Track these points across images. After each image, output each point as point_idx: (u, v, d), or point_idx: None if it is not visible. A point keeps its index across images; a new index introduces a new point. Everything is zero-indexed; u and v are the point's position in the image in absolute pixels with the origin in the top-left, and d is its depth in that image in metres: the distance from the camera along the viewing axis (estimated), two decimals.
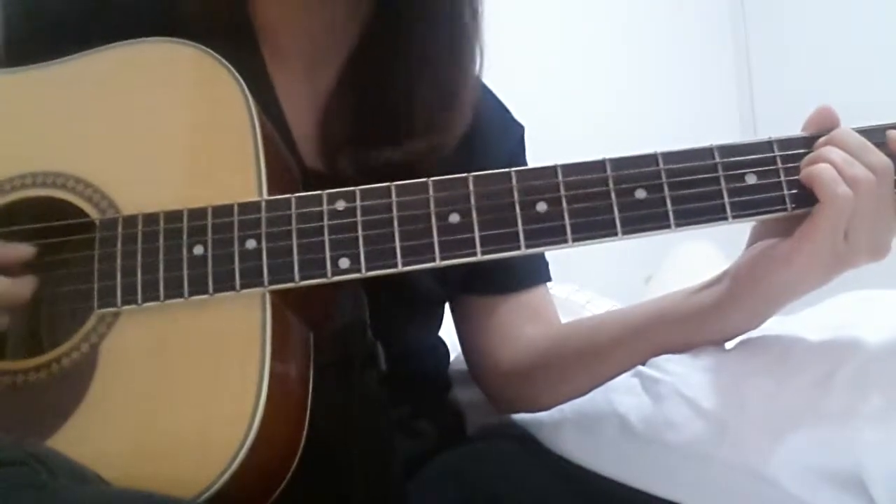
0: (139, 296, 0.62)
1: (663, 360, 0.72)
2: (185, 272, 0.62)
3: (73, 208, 0.65)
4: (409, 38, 0.75)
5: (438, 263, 0.62)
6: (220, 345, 0.61)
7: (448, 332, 0.89)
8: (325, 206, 0.63)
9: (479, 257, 0.62)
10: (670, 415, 0.68)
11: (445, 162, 0.73)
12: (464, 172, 0.64)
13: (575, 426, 0.72)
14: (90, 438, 0.59)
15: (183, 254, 0.62)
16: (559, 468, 0.71)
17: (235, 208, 0.63)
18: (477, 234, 0.62)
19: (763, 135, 0.64)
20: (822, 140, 0.64)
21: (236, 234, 0.62)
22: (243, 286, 0.61)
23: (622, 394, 0.72)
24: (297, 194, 0.63)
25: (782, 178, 0.63)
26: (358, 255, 0.62)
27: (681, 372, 0.70)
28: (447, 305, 0.87)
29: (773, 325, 0.72)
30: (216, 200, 0.63)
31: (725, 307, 0.69)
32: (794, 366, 0.67)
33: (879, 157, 0.62)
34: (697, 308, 0.71)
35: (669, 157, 0.63)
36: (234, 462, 0.57)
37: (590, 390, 0.74)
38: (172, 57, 0.68)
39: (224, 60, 0.66)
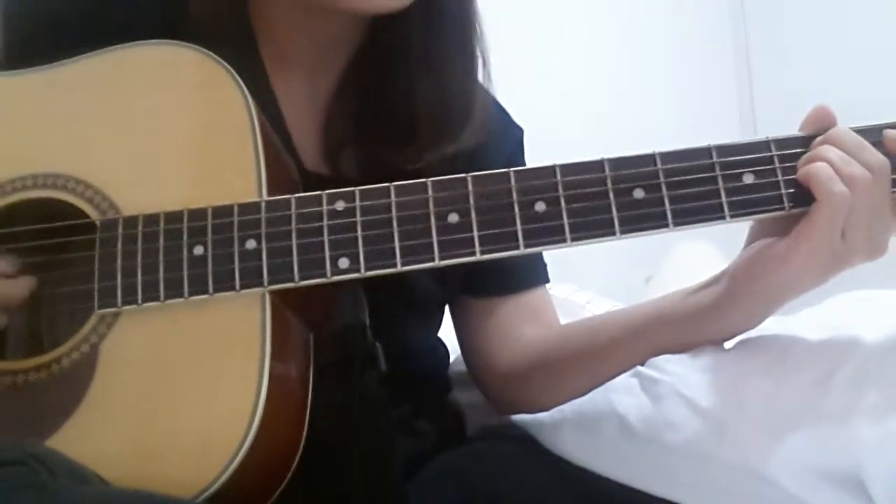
0: (139, 296, 0.62)
1: (662, 360, 0.72)
2: (185, 272, 0.62)
3: (73, 209, 0.65)
4: (410, 41, 0.76)
5: (437, 263, 0.62)
6: (220, 345, 0.61)
7: (448, 332, 0.90)
8: (324, 207, 0.63)
9: (478, 257, 0.62)
10: (670, 415, 0.68)
11: (445, 163, 0.73)
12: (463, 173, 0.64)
13: (575, 426, 0.73)
14: (90, 438, 0.59)
15: (183, 254, 0.62)
16: (559, 468, 0.71)
17: (235, 209, 0.63)
18: (476, 234, 0.62)
19: (763, 135, 0.65)
20: (819, 139, 0.64)
21: (236, 234, 0.62)
22: (243, 286, 0.61)
23: (622, 394, 0.72)
24: (297, 195, 0.63)
25: (780, 177, 0.63)
26: (357, 255, 0.62)
27: (680, 372, 0.70)
28: (447, 306, 0.87)
29: (772, 325, 0.72)
30: (216, 201, 0.63)
31: (724, 307, 0.69)
32: (793, 366, 0.67)
33: (876, 156, 0.62)
34: (696, 308, 0.71)
35: (667, 156, 0.63)
36: (233, 462, 0.57)
37: (589, 391, 0.74)
38: (173, 59, 0.68)
39: (224, 62, 0.67)
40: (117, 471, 0.57)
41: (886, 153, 0.63)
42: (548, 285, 0.88)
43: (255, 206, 0.63)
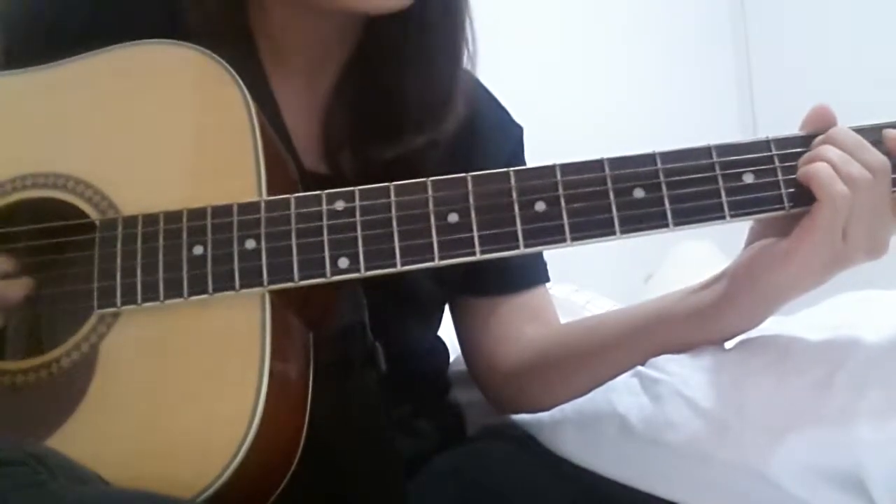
0: (139, 296, 0.62)
1: (663, 360, 0.72)
2: (185, 272, 0.62)
3: (73, 209, 0.65)
4: (404, 38, 0.76)
5: (437, 263, 0.62)
6: (220, 345, 0.61)
7: (448, 332, 0.90)
8: (324, 206, 0.63)
9: (478, 257, 0.62)
10: (670, 415, 0.68)
11: (445, 163, 0.73)
12: (463, 173, 0.64)
13: (575, 426, 0.73)
14: (90, 438, 0.59)
15: (182, 254, 0.62)
16: (559, 468, 0.71)
17: (235, 208, 0.63)
18: (476, 234, 0.62)
19: (763, 135, 0.65)
20: (819, 139, 0.64)
21: (236, 234, 0.62)
22: (243, 286, 0.61)
23: (622, 394, 0.72)
24: (297, 194, 0.63)
25: (780, 177, 0.63)
26: (357, 254, 0.62)
27: (680, 372, 0.70)
28: (447, 306, 0.87)
29: (773, 325, 0.72)
30: (216, 201, 0.63)
31: (724, 307, 0.69)
32: (793, 366, 0.67)
33: (876, 156, 0.62)
34: (696, 308, 0.71)
35: (667, 156, 0.63)
36: (233, 462, 0.57)
37: (589, 390, 0.74)
38: (172, 58, 0.68)
39: (224, 62, 0.67)
40: (117, 471, 0.57)
41: (886, 153, 0.63)
42: (548, 285, 0.88)
43: (254, 206, 0.63)
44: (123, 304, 0.62)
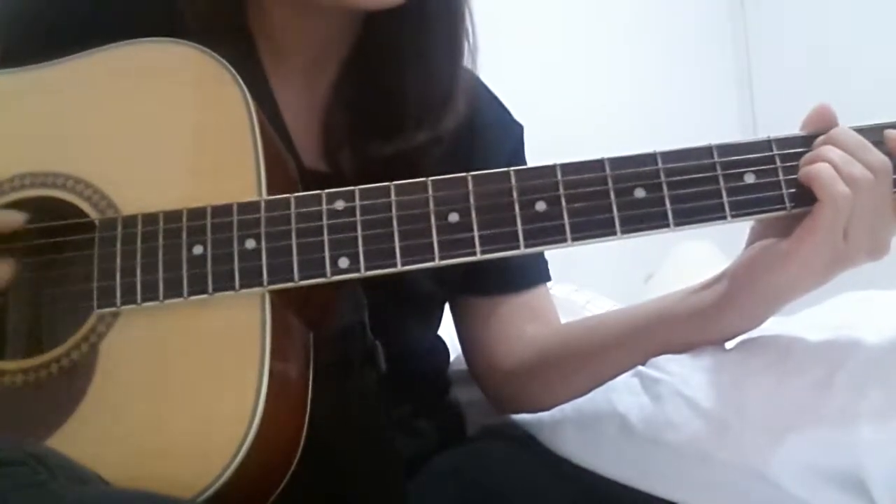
0: (138, 296, 0.62)
1: (663, 360, 0.72)
2: (185, 272, 0.62)
3: (72, 208, 0.65)
4: (402, 35, 0.76)
5: (438, 263, 0.62)
6: (220, 344, 0.61)
7: (448, 332, 0.89)
8: (324, 206, 0.63)
9: (479, 257, 0.62)
10: (670, 415, 0.68)
11: (445, 162, 0.73)
12: (463, 172, 0.64)
13: (575, 426, 0.72)
14: (90, 438, 0.59)
15: (182, 254, 0.62)
16: (559, 468, 0.71)
17: (235, 208, 0.63)
18: (476, 234, 0.62)
19: (763, 135, 0.64)
20: (820, 139, 0.64)
21: (235, 233, 0.62)
22: (243, 286, 0.61)
23: (622, 393, 0.72)
24: (297, 194, 0.63)
25: (781, 177, 0.63)
26: (357, 254, 0.62)
27: (681, 372, 0.70)
28: (447, 305, 0.87)
29: (773, 326, 0.72)
30: (215, 200, 0.63)
31: (724, 307, 0.69)
32: (794, 366, 0.67)
33: (878, 156, 0.62)
34: (697, 308, 0.71)
35: (668, 156, 0.63)
36: (233, 462, 0.57)
37: (590, 390, 0.74)
38: (172, 57, 0.68)
39: (223, 61, 0.66)
40: (117, 471, 0.57)
41: (888, 153, 0.63)
42: (548, 285, 0.88)
43: (254, 206, 0.63)
44: (123, 303, 0.62)
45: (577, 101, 2.22)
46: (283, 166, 0.69)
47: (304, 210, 0.63)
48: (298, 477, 0.63)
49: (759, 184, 0.63)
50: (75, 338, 0.62)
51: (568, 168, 0.63)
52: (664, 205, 0.62)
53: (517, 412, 0.79)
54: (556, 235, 0.62)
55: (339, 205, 0.63)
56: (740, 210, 0.62)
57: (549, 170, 0.63)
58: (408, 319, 0.82)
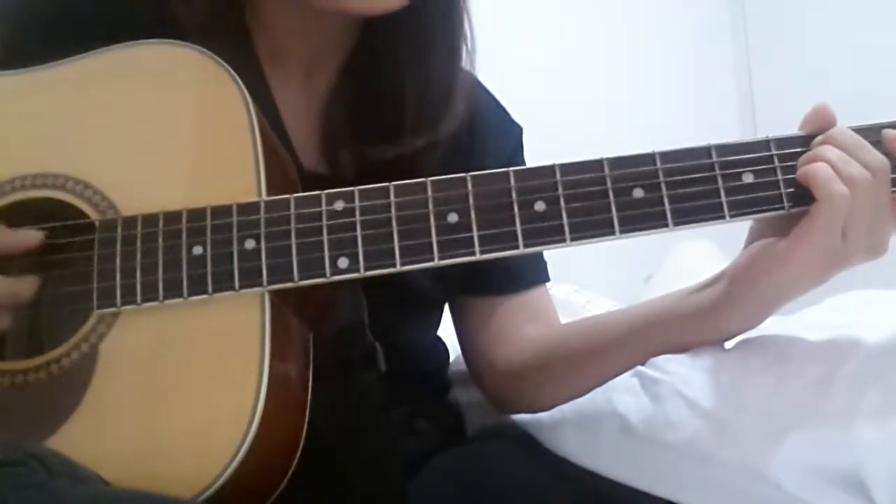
0: (138, 296, 0.62)
1: (663, 360, 0.72)
2: (185, 272, 0.62)
3: (72, 209, 0.65)
4: (401, 38, 0.76)
5: (437, 263, 0.62)
6: (220, 345, 0.61)
7: (448, 332, 0.90)
8: (323, 207, 0.63)
9: (478, 257, 0.62)
10: (670, 415, 0.68)
11: (445, 163, 0.73)
12: (462, 173, 0.64)
13: (575, 426, 0.72)
14: (90, 438, 0.59)
15: (182, 254, 0.62)
16: (559, 468, 0.71)
17: (234, 209, 0.63)
18: (475, 234, 0.62)
19: (763, 135, 0.65)
20: (818, 139, 0.64)
21: (235, 234, 0.62)
22: (242, 286, 0.61)
23: (622, 393, 0.72)
24: (296, 195, 0.63)
25: (779, 176, 0.63)
26: (357, 254, 0.62)
27: (681, 372, 0.70)
28: (446, 305, 0.87)
29: (773, 325, 0.72)
30: (215, 201, 0.63)
31: (723, 307, 0.69)
32: (793, 366, 0.67)
33: (876, 156, 0.62)
34: (695, 308, 0.71)
35: (667, 156, 0.63)
36: (233, 462, 0.57)
37: (590, 390, 0.74)
38: (172, 58, 0.68)
39: (222, 62, 0.67)
40: (117, 471, 0.57)
41: (886, 153, 0.63)
42: (548, 285, 0.88)
43: (254, 206, 0.63)
44: (123, 304, 0.62)
45: (577, 102, 2.22)
46: (282, 167, 0.69)
47: (304, 211, 0.63)
48: (298, 477, 0.63)
49: (758, 183, 0.63)
50: (75, 338, 0.62)
51: (567, 168, 0.63)
52: (663, 205, 0.62)
53: (517, 412, 0.79)
54: (555, 235, 0.62)
55: (339, 205, 0.63)
56: (739, 210, 0.62)
57: (548, 170, 0.63)
58: (408, 320, 0.82)
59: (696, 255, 1.80)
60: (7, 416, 0.62)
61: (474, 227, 0.62)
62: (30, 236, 0.64)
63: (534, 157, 0.79)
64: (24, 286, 0.64)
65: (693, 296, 0.72)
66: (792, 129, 0.66)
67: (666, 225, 0.62)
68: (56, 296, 0.66)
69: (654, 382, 0.70)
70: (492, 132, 0.85)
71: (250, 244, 0.62)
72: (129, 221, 0.63)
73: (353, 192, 0.63)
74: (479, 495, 0.72)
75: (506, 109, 0.89)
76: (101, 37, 0.68)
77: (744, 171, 0.63)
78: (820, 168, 0.61)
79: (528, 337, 0.83)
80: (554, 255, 0.76)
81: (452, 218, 0.62)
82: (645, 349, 0.74)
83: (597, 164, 0.63)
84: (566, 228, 0.62)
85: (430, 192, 0.63)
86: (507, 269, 0.82)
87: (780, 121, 0.69)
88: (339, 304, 0.71)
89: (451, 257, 0.62)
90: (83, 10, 0.73)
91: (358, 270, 0.62)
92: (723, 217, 0.62)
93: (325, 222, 0.62)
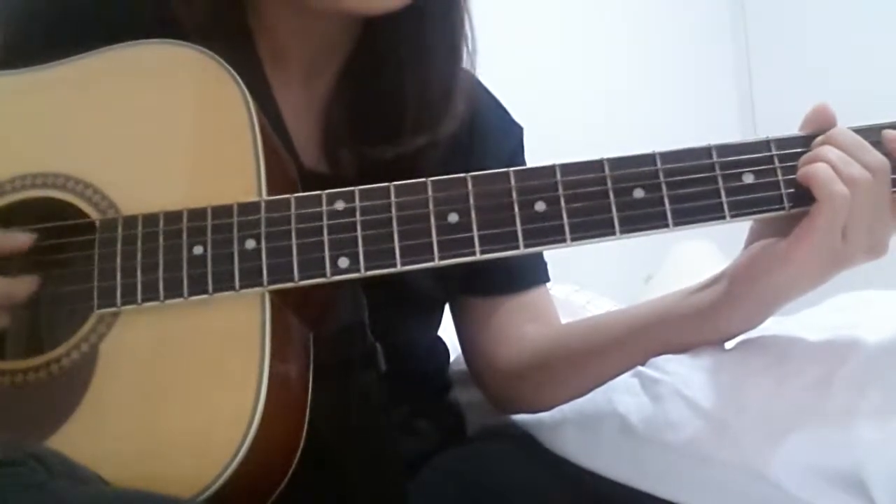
0: (139, 296, 0.62)
1: (663, 360, 0.72)
2: (185, 272, 0.62)
3: (73, 209, 0.65)
4: (401, 38, 0.76)
5: (437, 263, 0.62)
6: (220, 345, 0.61)
7: (448, 332, 0.90)
8: (324, 207, 0.63)
9: (478, 257, 0.62)
10: (670, 415, 0.68)
11: (446, 163, 0.73)
12: (463, 173, 0.64)
13: (575, 426, 0.72)
14: (90, 438, 0.59)
15: (183, 254, 0.62)
16: (559, 468, 0.71)
17: (235, 208, 0.63)
18: (476, 234, 0.62)
19: (763, 135, 0.65)
20: (818, 139, 0.64)
21: (236, 234, 0.62)
22: (243, 286, 0.61)
23: (622, 393, 0.72)
24: (297, 194, 0.63)
25: (780, 177, 0.63)
26: (357, 254, 0.62)
27: (681, 372, 0.70)
28: (447, 305, 0.87)
29: (773, 326, 0.72)
30: (216, 201, 0.63)
31: (723, 307, 0.69)
32: (793, 366, 0.67)
33: (876, 156, 0.62)
34: (696, 309, 0.71)
35: (667, 156, 0.63)
36: (233, 462, 0.57)
37: (590, 391, 0.74)
38: (172, 58, 0.68)
39: (223, 62, 0.67)
40: (117, 471, 0.57)
41: (886, 153, 0.63)
42: (548, 285, 0.88)
43: (254, 206, 0.63)
44: (123, 303, 0.62)
45: (577, 102, 2.22)
46: (283, 167, 0.69)
47: (305, 210, 0.63)
48: (298, 477, 0.63)
49: (758, 184, 0.63)
50: (75, 338, 0.62)
51: (567, 168, 0.63)
52: (663, 205, 0.62)
53: (517, 412, 0.79)
54: (555, 235, 0.62)
55: (339, 205, 0.63)
56: (739, 210, 0.62)
57: (548, 170, 0.63)
58: (408, 320, 0.82)
59: (696, 255, 1.80)
60: (7, 415, 0.62)
61: (474, 227, 0.62)
62: (18, 238, 0.64)
63: (534, 157, 0.79)
64: (19, 286, 0.64)
65: (693, 296, 0.72)
66: (792, 129, 0.66)
67: (666, 225, 0.62)
68: (56, 295, 0.66)
69: (654, 382, 0.70)
70: (492, 132, 0.85)
71: (251, 244, 0.62)
72: (130, 221, 0.63)
73: (353, 191, 0.63)
74: (479, 495, 0.72)
75: (506, 110, 0.89)
76: (101, 37, 0.68)
77: (744, 172, 0.63)
78: (820, 168, 0.61)
79: (528, 337, 0.83)
80: (554, 255, 0.76)
81: (453, 218, 0.62)
82: (645, 349, 0.74)
83: (597, 165, 0.63)
84: (566, 228, 0.62)
85: (430, 192, 0.63)
86: (508, 269, 0.82)
87: (780, 121, 0.69)
88: (340, 304, 0.71)
89: (451, 257, 0.62)
90: (84, 10, 0.73)
91: (358, 270, 0.62)
92: (723, 217, 0.62)
93: (325, 222, 0.62)
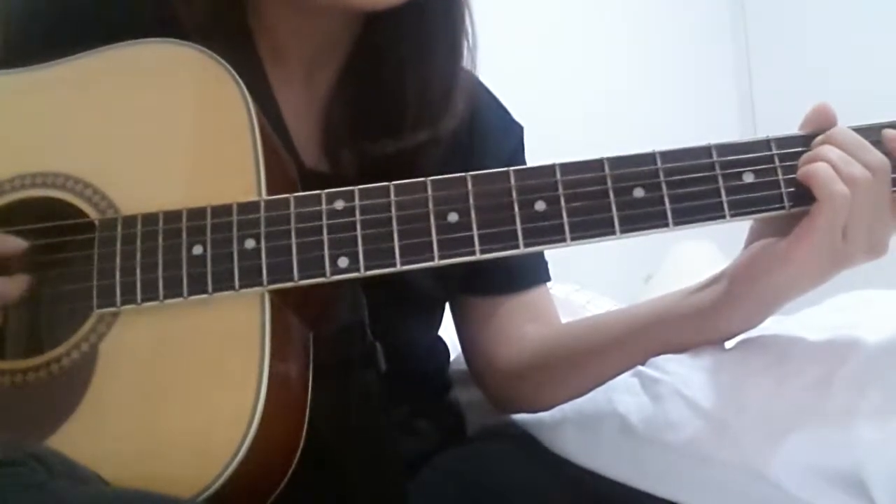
0: (138, 296, 0.62)
1: (663, 359, 0.72)
2: (185, 272, 0.62)
3: (72, 209, 0.65)
4: (401, 35, 0.76)
5: (437, 263, 0.62)
6: (220, 344, 0.61)
7: (448, 331, 0.90)
8: (323, 206, 0.63)
9: (478, 256, 0.62)
10: (670, 415, 0.68)
11: (445, 162, 0.73)
12: (463, 172, 0.64)
13: (575, 426, 0.72)
14: (90, 438, 0.59)
15: (182, 253, 0.62)
16: (559, 468, 0.71)
17: (234, 208, 0.63)
18: (476, 234, 0.62)
19: (763, 134, 0.64)
20: (819, 139, 0.64)
21: (235, 233, 0.62)
22: (242, 286, 0.61)
23: (622, 393, 0.72)
24: (296, 194, 0.63)
25: (780, 176, 0.63)
26: (357, 254, 0.62)
27: (681, 372, 0.70)
28: (447, 305, 0.87)
29: (773, 325, 0.72)
30: (215, 200, 0.63)
31: (723, 307, 0.69)
32: (793, 366, 0.67)
33: (876, 156, 0.62)
34: (695, 308, 0.71)
35: (667, 155, 0.63)
36: (233, 462, 0.57)
37: (590, 390, 0.74)
38: (172, 57, 0.68)
39: (223, 61, 0.66)
40: (117, 470, 0.57)
41: (886, 153, 0.63)
42: (548, 285, 0.88)
43: (254, 206, 0.63)
44: (123, 303, 0.62)
45: (577, 101, 2.22)
46: (282, 166, 0.69)
47: (304, 210, 0.63)
48: (298, 477, 0.63)
49: (758, 183, 0.63)
50: (75, 338, 0.62)
51: (567, 168, 0.63)
52: (663, 204, 0.62)
53: (517, 412, 0.79)
54: (555, 235, 0.62)
55: (339, 205, 0.63)
56: (739, 209, 0.62)
57: (548, 169, 0.63)
58: (408, 319, 0.82)
59: (696, 255, 1.80)
60: (7, 415, 0.62)
61: (474, 226, 0.62)
62: (11, 242, 0.64)
63: (534, 156, 0.79)
64: (12, 285, 0.63)
65: (692, 296, 0.72)
66: (792, 129, 0.66)
67: (666, 224, 0.62)
68: (56, 295, 0.66)
69: (654, 382, 0.70)
70: (492, 132, 0.85)
71: (250, 244, 0.62)
72: (129, 220, 0.63)
73: (353, 191, 0.63)
74: (479, 495, 0.72)
75: (507, 109, 0.89)
76: (101, 36, 0.68)
77: (744, 171, 0.63)
78: (820, 168, 0.61)
79: (528, 337, 0.83)
80: (554, 255, 0.76)
81: (453, 217, 0.62)
82: (645, 349, 0.74)
83: (597, 164, 0.63)
84: (566, 228, 0.62)
85: (430, 192, 0.63)
86: (508, 269, 0.82)
87: (780, 121, 0.69)
88: (340, 303, 0.71)
89: (451, 257, 0.62)
90: (84, 9, 0.73)
91: (358, 270, 0.62)
92: (723, 217, 0.62)
93: (325, 221, 0.62)
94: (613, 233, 0.62)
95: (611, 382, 0.74)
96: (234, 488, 0.57)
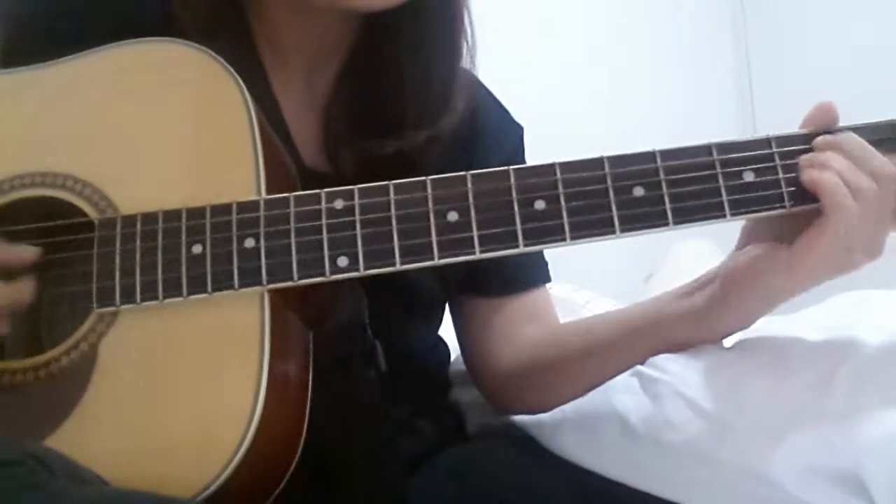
0: (138, 295, 0.62)
1: (662, 359, 0.72)
2: (184, 271, 0.62)
3: (71, 208, 0.65)
4: (401, 35, 0.76)
5: (437, 262, 0.62)
6: (220, 344, 0.61)
7: (448, 331, 0.89)
8: (323, 205, 0.63)
9: (478, 256, 0.62)
10: (670, 415, 0.68)
11: (445, 162, 0.73)
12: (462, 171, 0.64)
13: (575, 426, 0.73)
14: (89, 438, 0.59)
15: (182, 253, 0.62)
16: (559, 468, 0.71)
17: (234, 207, 0.63)
18: (475, 233, 0.62)
19: (762, 134, 0.64)
20: (821, 140, 0.63)
21: (235, 233, 0.62)
22: (242, 285, 0.61)
23: (622, 393, 0.72)
24: (296, 193, 0.63)
25: (780, 175, 0.63)
26: (356, 253, 0.62)
27: (680, 372, 0.70)
28: (447, 305, 0.87)
29: (773, 325, 0.72)
30: (215, 200, 0.63)
31: (720, 309, 0.69)
32: (793, 366, 0.67)
33: (882, 165, 0.62)
34: (691, 310, 0.71)
35: (667, 154, 0.63)
36: (233, 461, 0.57)
37: (588, 391, 0.74)
38: (171, 57, 0.68)
39: (223, 60, 0.66)
40: (117, 471, 0.57)
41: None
42: (548, 285, 0.88)
43: (253, 205, 0.63)
44: (122, 303, 0.62)
45: (577, 101, 2.22)
46: (282, 165, 0.69)
47: (304, 209, 0.63)
48: (298, 476, 0.63)
49: (759, 182, 0.63)
50: (75, 337, 0.62)
51: (567, 167, 0.63)
52: (663, 203, 0.62)
53: (516, 413, 0.79)
54: (555, 234, 0.62)
55: (339, 204, 0.63)
56: (739, 208, 0.62)
57: (548, 168, 0.63)
58: (408, 319, 0.82)
59: (696, 254, 1.80)
60: (7, 415, 0.62)
61: (474, 225, 0.62)
62: (27, 252, 0.64)
63: (534, 156, 0.78)
64: (25, 291, 0.63)
65: (688, 297, 0.72)
66: (792, 129, 0.66)
67: (666, 224, 0.62)
68: (55, 295, 0.66)
69: (653, 382, 0.70)
70: (492, 131, 0.85)
71: (250, 243, 0.62)
72: (129, 220, 0.63)
73: (352, 190, 0.63)
74: (479, 495, 0.72)
75: (506, 109, 0.89)
76: (102, 35, 0.68)
77: (744, 170, 0.63)
78: (830, 179, 0.60)
79: (528, 338, 0.83)
80: (554, 255, 0.76)
81: (452, 217, 0.62)
82: (641, 350, 0.74)
83: (597, 163, 0.63)
84: (566, 227, 0.62)
85: (429, 191, 0.63)
86: (508, 270, 0.82)
87: (780, 121, 0.69)
88: (339, 303, 0.71)
89: (450, 256, 0.62)
90: (84, 9, 0.73)
91: (357, 269, 0.62)
92: (723, 216, 0.62)
93: (324, 221, 0.62)
94: (613, 232, 0.62)
95: (610, 382, 0.74)
96: (233, 488, 0.57)
